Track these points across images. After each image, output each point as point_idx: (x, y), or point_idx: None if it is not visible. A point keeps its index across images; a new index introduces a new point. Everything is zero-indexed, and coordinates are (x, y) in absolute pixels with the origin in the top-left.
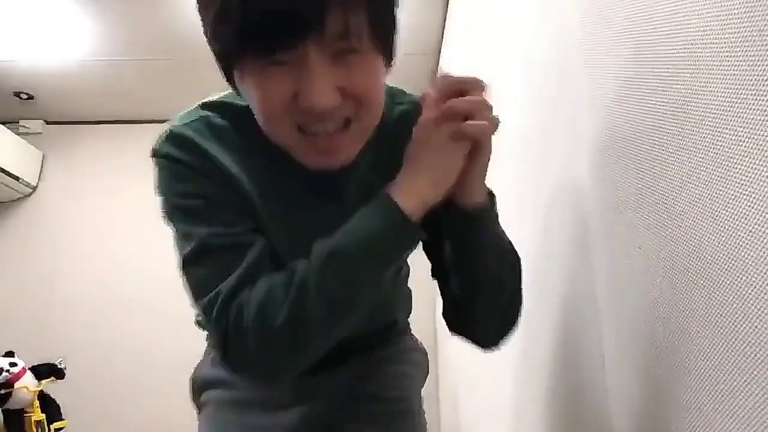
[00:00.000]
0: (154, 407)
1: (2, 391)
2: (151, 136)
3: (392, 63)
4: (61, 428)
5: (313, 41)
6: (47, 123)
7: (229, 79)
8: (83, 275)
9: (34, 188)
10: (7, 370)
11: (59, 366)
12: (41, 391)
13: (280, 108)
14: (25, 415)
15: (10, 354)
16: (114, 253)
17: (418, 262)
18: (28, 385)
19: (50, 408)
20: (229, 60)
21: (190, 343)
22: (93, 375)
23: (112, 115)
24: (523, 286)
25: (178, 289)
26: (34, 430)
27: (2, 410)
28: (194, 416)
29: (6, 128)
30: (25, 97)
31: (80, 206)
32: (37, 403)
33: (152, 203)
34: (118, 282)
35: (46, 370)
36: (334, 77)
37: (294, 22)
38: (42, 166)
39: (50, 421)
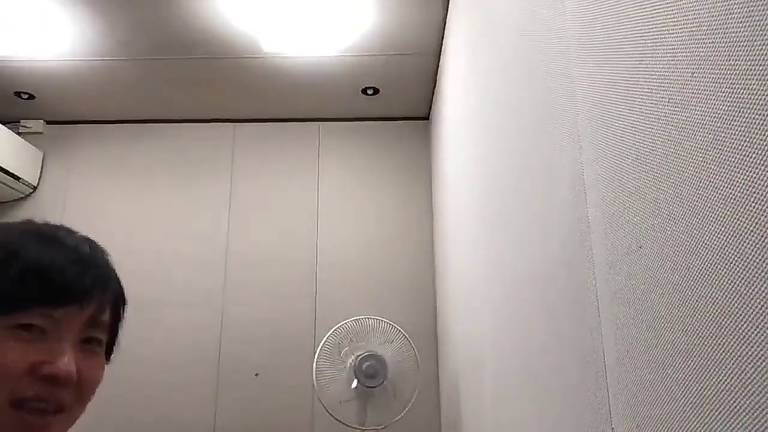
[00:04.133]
0: (162, 406)
1: None
2: (152, 135)
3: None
4: None
5: (72, 315)
6: (48, 123)
7: None
8: None
9: (35, 188)
10: None
11: None
12: None
13: (12, 375)
14: None
15: None
16: (115, 252)
17: (419, 263)
18: None
19: None
20: None
21: (195, 336)
22: None
23: (113, 114)
24: (522, 285)
25: (180, 287)
26: None
27: None
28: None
29: (6, 128)
30: (26, 96)
31: (81, 206)
32: None
33: (152, 203)
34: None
35: None
36: (74, 357)
37: (71, 288)
38: (42, 166)
39: None
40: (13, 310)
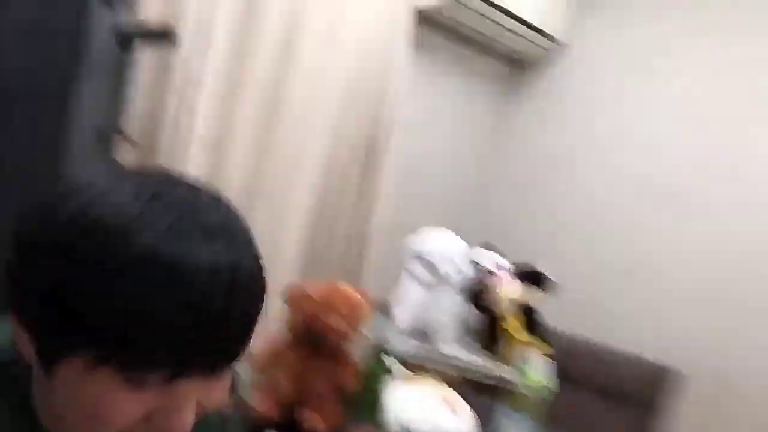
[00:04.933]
0: None
1: (483, 292)
2: None
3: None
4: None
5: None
6: None
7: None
8: (616, 164)
9: (560, 43)
10: (482, 267)
11: (546, 274)
12: (528, 304)
13: (120, 425)
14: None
15: (488, 246)
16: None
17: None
18: (511, 290)
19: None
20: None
21: None
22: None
23: None
24: None
25: None
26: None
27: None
28: None
29: None
30: None
31: (617, 59)
32: (516, 318)
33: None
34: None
35: (528, 275)
36: (197, 395)
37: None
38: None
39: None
40: (129, 368)
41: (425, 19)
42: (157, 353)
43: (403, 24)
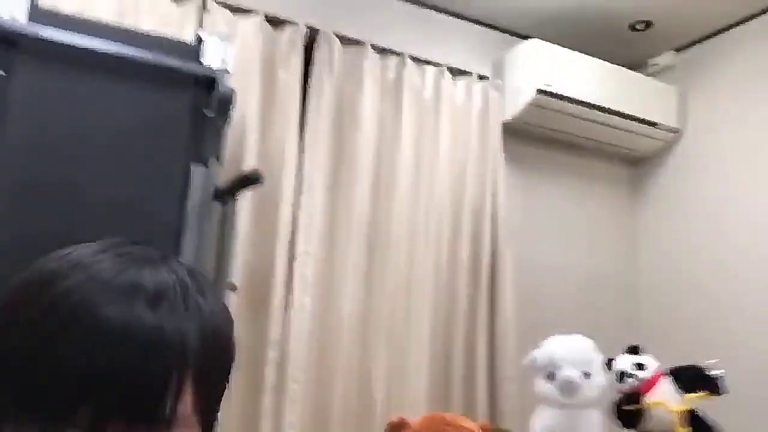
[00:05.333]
0: None
1: (628, 406)
2: None
3: None
4: None
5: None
6: (677, 51)
7: None
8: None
9: (677, 131)
10: (632, 375)
11: (713, 374)
12: (689, 410)
13: None
14: None
15: (634, 350)
16: None
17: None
18: (666, 398)
19: None
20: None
21: None
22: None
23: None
24: None
25: None
26: None
27: None
28: None
29: (630, 71)
30: (641, 27)
31: (727, 150)
32: (684, 429)
33: None
34: None
35: (687, 378)
36: None
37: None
38: (680, 103)
39: None
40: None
41: (518, 133)
42: (63, 396)
43: (492, 142)
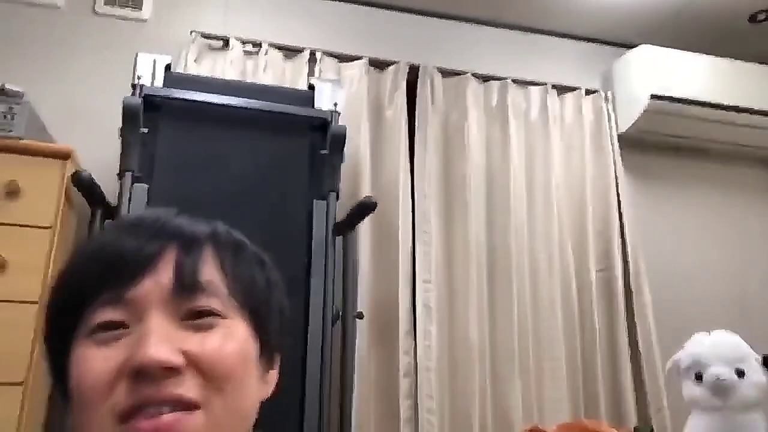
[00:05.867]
0: None
1: None
2: None
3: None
4: None
5: (148, 289)
6: None
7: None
8: None
9: None
10: None
11: None
12: None
13: (103, 389)
14: None
15: None
16: None
17: None
18: None
19: None
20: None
21: None
22: None
23: None
24: None
25: None
26: None
27: None
28: None
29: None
30: (763, 17)
31: None
32: None
33: None
34: None
35: None
36: (175, 338)
37: (128, 254)
38: None
39: None
40: (80, 311)
41: (640, 144)
42: (87, 279)
43: (609, 155)
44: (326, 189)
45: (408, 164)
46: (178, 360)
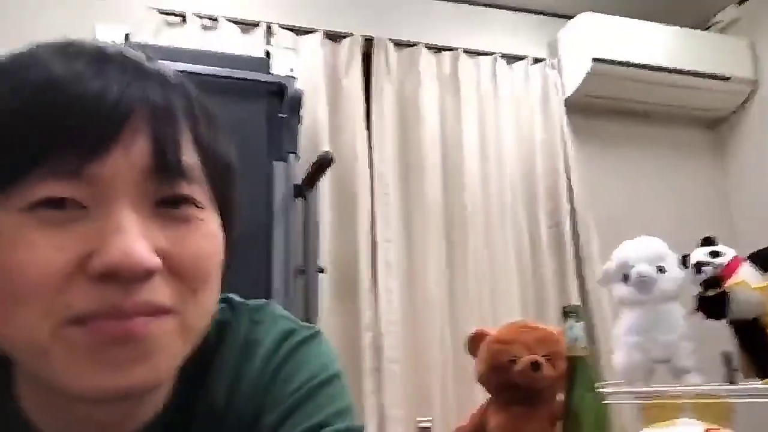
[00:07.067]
0: None
1: (712, 292)
2: None
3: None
4: None
5: (117, 161)
6: (739, 4)
7: None
8: None
9: (755, 82)
10: (709, 263)
11: None
12: None
13: (50, 286)
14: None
15: (708, 241)
16: None
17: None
18: (747, 279)
19: None
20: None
21: None
22: None
23: None
24: None
25: None
26: None
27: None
28: None
29: (693, 30)
30: None
31: None
32: None
33: None
34: None
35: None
36: (148, 233)
37: (92, 104)
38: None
39: None
40: (20, 176)
41: (587, 109)
42: (30, 127)
43: (557, 119)
44: (285, 150)
45: (365, 131)
46: (156, 262)
